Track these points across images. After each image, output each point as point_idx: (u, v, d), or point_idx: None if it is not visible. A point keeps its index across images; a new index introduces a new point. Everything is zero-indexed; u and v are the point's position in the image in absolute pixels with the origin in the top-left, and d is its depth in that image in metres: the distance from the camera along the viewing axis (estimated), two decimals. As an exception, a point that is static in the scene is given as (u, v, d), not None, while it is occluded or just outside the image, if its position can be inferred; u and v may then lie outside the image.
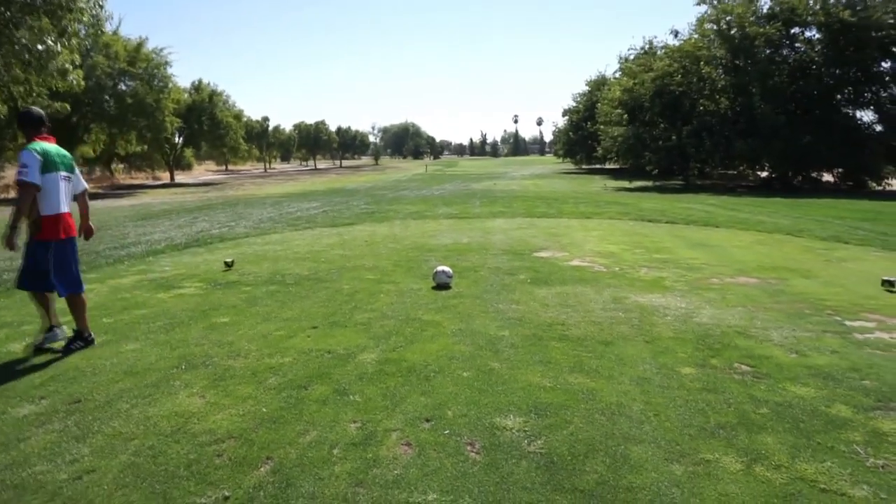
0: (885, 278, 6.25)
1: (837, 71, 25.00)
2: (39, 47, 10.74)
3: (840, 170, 26.89)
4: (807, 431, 3.02)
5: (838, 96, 25.93)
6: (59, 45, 11.14)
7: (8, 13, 10.30)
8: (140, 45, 35.35)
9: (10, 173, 39.42)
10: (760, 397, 3.44)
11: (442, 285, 6.32)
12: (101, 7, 11.50)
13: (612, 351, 4.28)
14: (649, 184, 29.29)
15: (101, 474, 2.72)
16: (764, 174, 29.92)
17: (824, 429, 3.05)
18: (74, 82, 12.53)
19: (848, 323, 4.96)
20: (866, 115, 26.38)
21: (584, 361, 4.07)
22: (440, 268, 6.49)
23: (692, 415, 3.23)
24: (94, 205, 19.32)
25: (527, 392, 3.55)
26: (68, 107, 18.10)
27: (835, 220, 12.70)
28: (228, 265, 7.67)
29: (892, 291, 6.03)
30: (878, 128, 25.51)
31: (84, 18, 11.36)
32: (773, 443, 2.91)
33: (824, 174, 28.04)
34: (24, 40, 10.86)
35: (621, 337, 4.61)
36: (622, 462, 2.75)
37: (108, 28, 23.71)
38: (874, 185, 26.04)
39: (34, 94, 13.43)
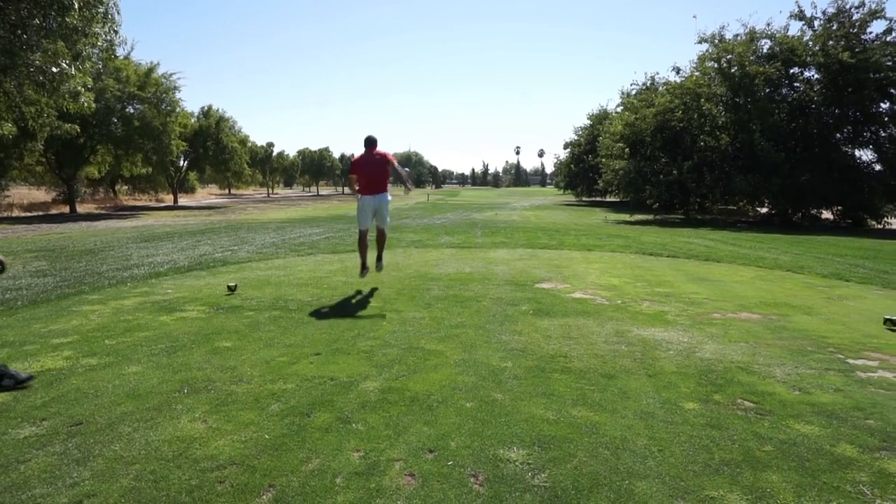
0: (888, 317, 6.25)
1: (836, 111, 25.41)
2: (54, 70, 10.95)
3: (839, 207, 27.12)
4: (812, 470, 3.01)
5: (837, 135, 26.30)
6: (73, 68, 11.35)
7: (24, 36, 10.53)
8: (151, 69, 35.92)
9: (16, 192, 39.68)
10: (764, 434, 3.43)
11: None
12: (116, 32, 11.72)
13: (615, 384, 4.27)
14: (650, 217, 29.45)
15: (101, 499, 2.70)
16: (763, 210, 30.15)
17: (830, 468, 3.03)
18: (86, 104, 12.73)
19: (851, 361, 4.95)
20: (865, 155, 26.74)
21: (588, 394, 4.06)
22: None
23: (696, 451, 3.22)
24: (96, 225, 19.38)
25: (530, 424, 3.54)
26: (77, 128, 18.28)
27: (835, 258, 12.74)
28: (231, 289, 7.68)
29: (894, 330, 6.02)
30: (878, 167, 25.80)
31: (98, 43, 11.59)
32: (778, 481, 2.89)
33: (823, 211, 28.26)
34: (37, 62, 11.06)
35: (624, 370, 4.60)
36: (627, 497, 2.73)
37: (121, 53, 24.15)
38: (874, 223, 26.20)
39: (44, 115, 13.60)
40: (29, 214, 31.05)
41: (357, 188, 7.73)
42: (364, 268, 7.91)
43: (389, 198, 7.82)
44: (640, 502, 2.70)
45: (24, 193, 42.36)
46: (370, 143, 7.75)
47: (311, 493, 2.75)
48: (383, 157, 7.64)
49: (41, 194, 43.21)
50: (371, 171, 7.62)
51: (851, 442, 3.35)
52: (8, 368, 4.21)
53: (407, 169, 6.73)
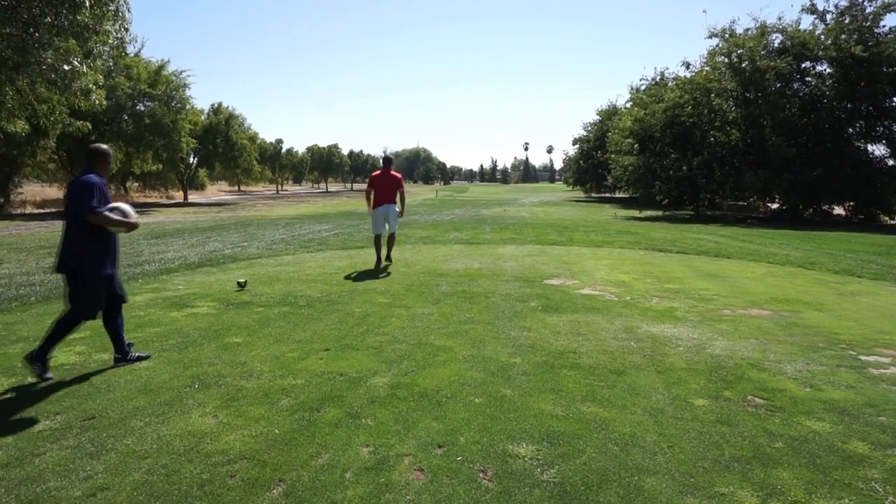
0: (900, 314, 6.19)
1: (849, 105, 25.09)
2: (65, 67, 11.01)
3: (851, 203, 26.83)
4: (823, 467, 2.99)
5: (850, 130, 25.99)
6: (84, 65, 11.41)
7: (36, 34, 10.58)
8: (161, 67, 36.06)
9: (28, 189, 40.04)
10: (775, 431, 3.41)
11: None
12: (127, 30, 11.73)
13: (625, 380, 4.26)
14: (659, 213, 29.28)
15: (114, 492, 2.73)
16: (774, 206, 29.89)
17: (841, 465, 3.01)
18: (97, 102, 12.80)
19: (862, 357, 4.92)
20: (878, 150, 26.43)
21: (597, 390, 4.05)
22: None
23: (706, 447, 3.21)
24: (109, 222, 19.18)
25: (539, 420, 3.54)
26: (89, 126, 18.41)
27: (847, 254, 12.63)
28: (241, 286, 7.73)
29: (907, 327, 5.97)
30: (891, 162, 25.52)
31: (109, 41, 11.62)
32: (789, 478, 2.88)
33: (835, 207, 27.97)
34: (49, 60, 11.13)
35: (633, 367, 4.59)
36: (636, 493, 2.73)
37: (131, 50, 24.18)
38: (886, 218, 25.93)
39: (56, 113, 13.68)
40: (42, 211, 31.32)
41: (371, 205, 9.59)
42: (379, 260, 9.71)
43: (397, 208, 9.69)
44: (650, 498, 2.69)
45: (36, 191, 42.77)
46: (387, 161, 9.79)
47: (320, 487, 2.77)
48: (398, 179, 9.63)
49: (53, 191, 43.55)
50: (385, 186, 9.51)
51: (863, 439, 3.33)
52: (31, 364, 4.28)
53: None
